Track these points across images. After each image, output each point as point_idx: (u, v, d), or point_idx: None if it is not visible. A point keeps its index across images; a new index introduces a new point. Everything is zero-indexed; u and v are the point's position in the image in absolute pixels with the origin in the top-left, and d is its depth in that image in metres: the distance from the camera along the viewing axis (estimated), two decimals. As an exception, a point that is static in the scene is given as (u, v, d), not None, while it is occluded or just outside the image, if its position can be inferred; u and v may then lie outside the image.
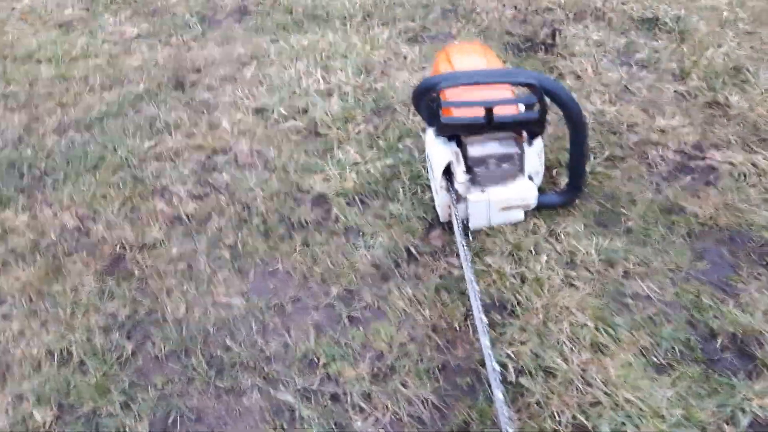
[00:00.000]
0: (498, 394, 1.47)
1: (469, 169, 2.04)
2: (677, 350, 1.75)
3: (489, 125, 1.92)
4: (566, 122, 2.00)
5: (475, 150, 2.01)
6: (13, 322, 2.01)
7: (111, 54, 3.34)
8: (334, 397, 1.74)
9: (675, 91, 2.67)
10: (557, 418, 1.62)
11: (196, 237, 2.24)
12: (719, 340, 1.77)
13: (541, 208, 2.18)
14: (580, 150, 2.05)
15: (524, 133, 2.05)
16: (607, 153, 2.39)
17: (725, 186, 2.23)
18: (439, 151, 2.07)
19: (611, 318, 1.84)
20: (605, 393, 1.66)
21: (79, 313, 2.00)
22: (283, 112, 2.78)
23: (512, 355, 1.77)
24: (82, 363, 1.86)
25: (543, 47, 2.98)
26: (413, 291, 1.98)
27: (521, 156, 2.03)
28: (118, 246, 2.23)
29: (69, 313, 2.00)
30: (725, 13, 3.13)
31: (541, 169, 2.15)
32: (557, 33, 2.99)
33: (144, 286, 2.09)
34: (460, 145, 2.05)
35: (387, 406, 1.70)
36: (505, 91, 2.02)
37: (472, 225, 2.13)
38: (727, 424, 1.59)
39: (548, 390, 1.68)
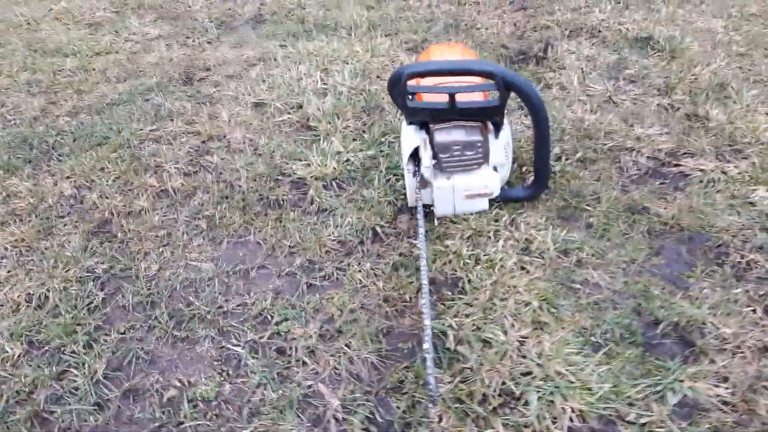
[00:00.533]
0: (427, 344, 1.56)
1: (435, 156, 2.16)
2: (617, 333, 1.81)
3: (452, 110, 2.04)
4: (530, 114, 2.10)
5: (441, 137, 2.13)
6: (1, 270, 2.19)
7: (131, 51, 3.61)
8: (280, 351, 1.84)
9: (658, 104, 2.75)
10: (487, 383, 1.69)
11: (178, 208, 2.41)
12: (661, 327, 1.82)
13: (506, 201, 2.28)
14: (543, 143, 2.15)
15: (490, 126, 2.17)
16: (579, 155, 2.49)
17: (693, 191, 2.29)
18: (409, 137, 2.20)
19: (556, 300, 1.91)
20: (538, 365, 1.73)
21: (61, 265, 2.17)
22: (279, 106, 2.96)
23: (455, 326, 1.85)
24: (55, 307, 2.02)
25: (535, 60, 3.11)
26: (372, 266, 2.09)
27: (485, 145, 2.14)
28: (106, 212, 2.41)
29: (52, 265, 2.17)
30: (720, 36, 3.22)
31: (507, 163, 2.25)
32: (550, 47, 3.12)
33: (124, 247, 2.26)
34: (429, 133, 2.18)
35: (329, 362, 1.80)
36: (471, 82, 2.15)
37: (438, 212, 2.24)
38: (656, 402, 1.63)
39: (483, 358, 1.75)
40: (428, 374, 1.53)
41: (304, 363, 1.81)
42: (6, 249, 2.28)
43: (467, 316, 1.88)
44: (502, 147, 2.20)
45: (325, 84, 3.11)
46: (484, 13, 3.59)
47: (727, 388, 1.66)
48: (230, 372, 1.80)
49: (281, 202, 2.40)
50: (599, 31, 3.30)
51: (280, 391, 1.73)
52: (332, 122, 2.80)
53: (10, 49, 3.83)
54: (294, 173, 2.53)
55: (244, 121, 2.90)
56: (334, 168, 2.51)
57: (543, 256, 2.07)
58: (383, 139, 2.67)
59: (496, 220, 2.21)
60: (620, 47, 3.18)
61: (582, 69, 3.01)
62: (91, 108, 3.11)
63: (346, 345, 1.84)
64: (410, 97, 2.05)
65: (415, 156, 2.17)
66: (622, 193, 2.32)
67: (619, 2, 3.61)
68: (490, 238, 2.14)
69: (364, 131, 2.74)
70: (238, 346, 1.87)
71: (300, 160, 2.60)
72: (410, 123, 2.20)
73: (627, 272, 2.01)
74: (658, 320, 1.85)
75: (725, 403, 1.63)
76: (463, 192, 2.19)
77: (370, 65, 3.23)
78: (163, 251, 2.22)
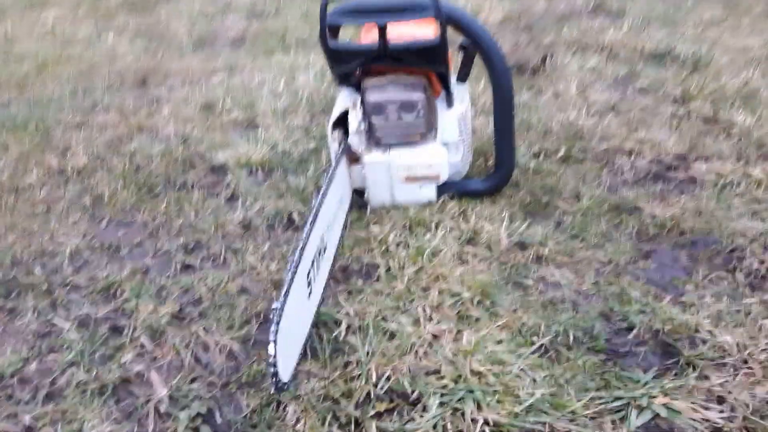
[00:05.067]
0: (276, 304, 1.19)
1: (368, 121, 1.86)
2: (572, 336, 1.40)
3: (384, 53, 1.76)
4: (486, 69, 1.81)
5: (374, 94, 1.84)
6: None
7: (96, 61, 3.54)
8: (115, 329, 1.50)
9: (672, 113, 2.42)
10: (374, 381, 1.29)
11: (70, 187, 2.16)
12: (635, 334, 1.41)
13: (462, 195, 1.94)
14: (504, 115, 1.84)
15: (443, 92, 1.88)
16: (560, 154, 2.15)
17: (703, 194, 1.91)
18: (339, 101, 1.92)
19: (496, 295, 1.52)
20: (450, 362, 1.32)
21: None
22: (229, 104, 2.76)
23: (352, 314, 1.47)
24: None
25: (531, 71, 2.86)
26: (273, 249, 1.75)
27: (428, 107, 1.83)
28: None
29: None
30: (755, 52, 2.92)
31: (464, 145, 1.94)
32: (549, 57, 2.87)
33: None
34: (362, 92, 1.89)
35: (174, 347, 1.43)
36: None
37: (372, 200, 1.91)
38: (614, 422, 1.20)
39: (379, 352, 1.36)
40: (271, 357, 1.14)
41: (142, 345, 1.44)
42: None
43: (372, 304, 1.50)
44: (455, 120, 1.90)
45: (287, 85, 2.92)
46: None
47: (721, 411, 1.21)
48: (43, 348, 1.45)
49: (189, 186, 2.13)
50: (611, 50, 3.04)
51: (94, 373, 1.36)
52: (280, 119, 2.56)
53: (-25, 57, 3.83)
54: (215, 158, 2.27)
55: (186, 117, 2.69)
56: (264, 155, 2.24)
57: (491, 248, 1.70)
58: (332, 136, 2.40)
59: (442, 211, 1.86)
60: (633, 62, 2.91)
61: (585, 79, 2.73)
62: (27, 100, 2.98)
63: (204, 329, 1.48)
64: (330, 36, 1.77)
65: (344, 123, 1.87)
66: (611, 193, 1.95)
67: (639, 23, 3.38)
68: (430, 228, 1.79)
69: (312, 129, 2.49)
70: (66, 321, 1.52)
71: (229, 147, 2.35)
72: (341, 83, 1.93)
73: (600, 273, 1.62)
74: (631, 326, 1.44)
75: (717, 430, 1.18)
76: (403, 172, 1.87)
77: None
78: (31, 224, 1.95)
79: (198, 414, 1.27)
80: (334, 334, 1.42)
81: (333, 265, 1.63)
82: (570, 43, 3.15)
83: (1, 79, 3.31)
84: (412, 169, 1.87)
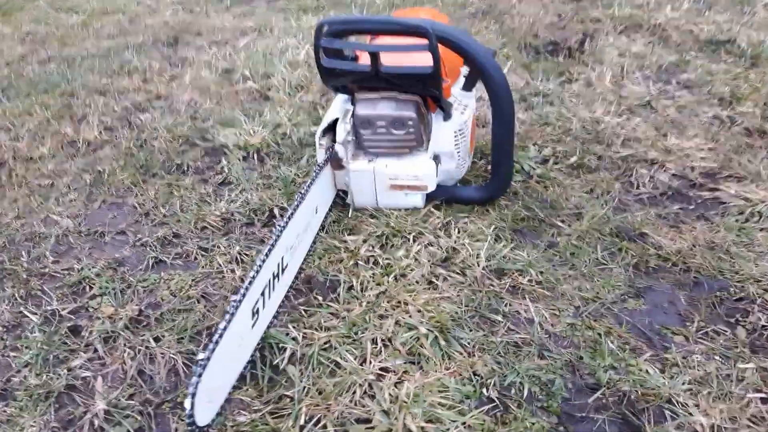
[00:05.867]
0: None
1: (356, 132, 1.73)
2: (527, 391, 1.27)
3: (376, 77, 1.61)
4: (483, 84, 1.63)
5: (364, 108, 1.70)
6: None
7: (136, 14, 3.49)
8: (75, 330, 1.47)
9: (713, 116, 2.14)
10: (303, 421, 1.21)
11: (77, 161, 2.14)
12: (598, 395, 1.26)
13: (452, 202, 1.79)
14: (501, 127, 1.66)
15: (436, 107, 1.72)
16: (572, 160, 1.95)
17: (724, 223, 1.68)
18: (332, 108, 1.79)
19: (455, 330, 1.39)
20: (384, 412, 1.22)
21: None
22: (247, 74, 2.65)
23: (299, 339, 1.38)
24: None
25: (567, 52, 2.59)
26: (243, 251, 1.68)
27: (419, 125, 1.68)
28: (8, 155, 2.19)
29: None
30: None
31: (459, 155, 1.77)
32: (589, 39, 2.59)
33: (2, 191, 2.01)
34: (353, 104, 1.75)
35: (122, 355, 1.39)
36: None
37: (356, 202, 1.79)
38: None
39: (316, 388, 1.27)
40: (187, 410, 1.07)
41: (95, 350, 1.41)
42: None
43: (323, 329, 1.41)
44: (451, 132, 1.73)
45: (307, 57, 2.77)
46: (528, 2, 3.11)
47: None
48: (8, 342, 1.44)
49: (185, 168, 2.06)
50: (663, 30, 2.71)
51: (44, 377, 1.34)
52: (292, 94, 2.44)
53: (33, 5, 3.85)
54: (215, 138, 2.19)
55: (203, 85, 2.61)
56: (263, 138, 2.14)
57: (464, 272, 1.56)
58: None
59: (425, 221, 1.72)
60: (685, 49, 2.58)
61: (622, 67, 2.45)
62: (64, 59, 2.97)
63: (155, 339, 1.43)
64: (323, 56, 1.62)
65: (334, 130, 1.74)
66: (617, 212, 1.75)
67: (702, 1, 2.99)
68: (407, 240, 1.65)
69: (322, 106, 2.35)
70: (35, 314, 1.51)
71: (233, 126, 2.25)
72: (336, 90, 1.79)
73: (581, 312, 1.45)
74: (597, 384, 1.28)
75: None
76: (389, 180, 1.73)
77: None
78: (32, 200, 1.95)
79: (128, 432, 1.24)
80: (275, 361, 1.34)
81: (297, 275, 1.54)
82: (618, 20, 2.83)
83: (48, 32, 3.32)
84: (398, 179, 1.73)
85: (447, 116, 1.73)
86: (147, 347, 1.41)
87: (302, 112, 2.33)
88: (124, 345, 1.42)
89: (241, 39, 3.07)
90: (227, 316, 1.18)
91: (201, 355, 1.11)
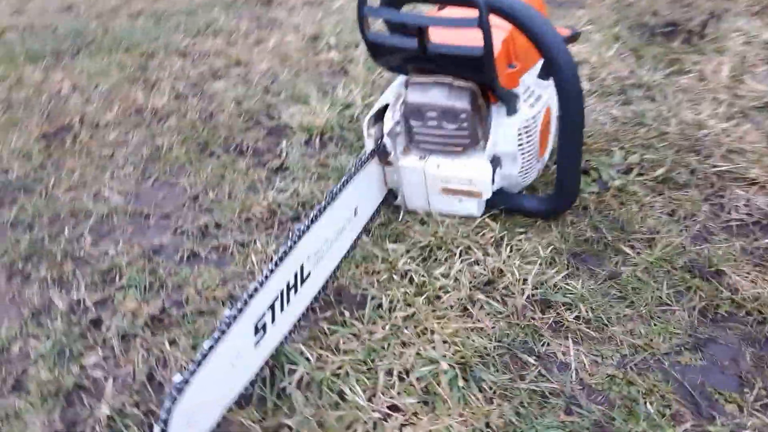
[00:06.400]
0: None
1: (406, 122, 1.61)
2: (543, 453, 1.16)
3: (424, 56, 1.47)
4: (552, 79, 1.45)
5: (415, 95, 1.57)
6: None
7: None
8: (96, 323, 1.51)
9: None
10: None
11: (140, 131, 2.18)
12: (624, 471, 1.13)
13: (512, 211, 1.65)
14: (569, 135, 1.49)
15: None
16: (659, 172, 1.73)
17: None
18: (387, 91, 1.68)
19: (478, 370, 1.29)
20: (382, 458, 1.16)
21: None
22: (332, 42, 2.58)
23: (312, 361, 1.34)
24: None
25: (686, 35, 2.29)
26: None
27: (474, 119, 1.54)
28: (75, 118, 2.28)
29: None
30: None
31: (524, 157, 1.61)
32: (714, 20, 2.27)
33: (60, 156, 2.10)
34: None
35: (137, 356, 1.41)
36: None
37: (408, 204, 1.70)
38: None
39: (316, 421, 1.23)
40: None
41: (112, 348, 1.44)
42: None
43: (343, 352, 1.35)
44: (515, 129, 1.57)
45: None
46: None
47: None
48: (31, 329, 1.51)
49: (244, 149, 2.04)
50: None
51: (56, 372, 1.39)
52: (372, 69, 2.34)
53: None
54: (280, 117, 2.15)
55: (284, 52, 2.57)
56: (328, 120, 2.07)
57: (505, 300, 1.44)
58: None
59: (478, 233, 1.60)
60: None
61: (745, 57, 2.13)
62: (153, 14, 3.03)
63: (170, 342, 1.43)
64: (366, 25, 1.51)
65: (384, 117, 1.64)
66: (696, 241, 1.55)
67: None
68: (449, 254, 1.55)
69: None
70: (62, 300, 1.57)
71: (302, 102, 2.20)
72: (391, 70, 1.68)
73: (625, 362, 1.30)
74: (625, 456, 1.15)
75: None
76: (440, 183, 1.62)
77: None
78: (89, 171, 2.01)
79: (131, 440, 1.26)
80: (283, 384, 1.31)
81: (328, 283, 1.49)
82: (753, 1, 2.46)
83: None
84: (450, 182, 1.61)
85: (511, 110, 1.56)
86: (161, 350, 1.42)
87: (377, 92, 2.23)
88: (141, 345, 1.43)
89: (336, 0, 2.98)
90: (216, 334, 1.14)
91: (177, 377, 1.08)
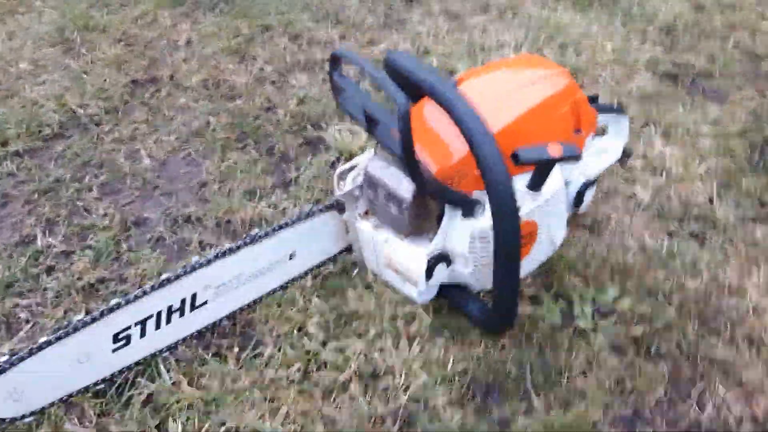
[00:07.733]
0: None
1: (366, 191, 1.62)
2: None
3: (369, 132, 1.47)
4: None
5: (374, 167, 1.55)
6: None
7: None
8: (49, 270, 1.75)
9: None
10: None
11: (206, 102, 2.38)
12: None
13: (455, 307, 1.61)
14: (502, 256, 1.39)
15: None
16: (638, 331, 1.55)
17: None
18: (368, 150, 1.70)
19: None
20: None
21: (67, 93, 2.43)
22: (435, 63, 2.58)
23: (167, 381, 1.45)
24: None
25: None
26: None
27: (415, 209, 1.47)
28: (167, 73, 2.54)
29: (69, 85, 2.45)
30: None
31: (475, 262, 1.53)
32: None
33: (134, 107, 2.37)
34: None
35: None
36: None
37: (365, 262, 1.71)
38: None
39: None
40: None
41: (45, 295, 1.68)
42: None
43: (198, 387, 1.45)
44: (467, 233, 1.49)
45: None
46: None
47: None
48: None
49: (275, 152, 2.17)
50: None
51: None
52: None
53: None
54: (326, 129, 2.23)
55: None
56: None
57: (377, 400, 1.43)
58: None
59: (405, 319, 1.59)
60: None
61: None
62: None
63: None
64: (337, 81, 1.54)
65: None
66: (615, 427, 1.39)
67: None
68: (366, 332, 1.56)
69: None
70: (42, 240, 1.83)
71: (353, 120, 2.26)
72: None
73: None
74: None
75: None
76: (384, 258, 1.61)
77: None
78: (143, 128, 2.26)
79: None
80: (131, 393, 1.44)
81: (234, 315, 1.58)
82: None
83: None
84: (392, 262, 1.59)
85: (467, 213, 1.49)
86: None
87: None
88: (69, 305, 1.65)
89: (473, 17, 2.95)
90: (60, 333, 1.30)
91: (3, 359, 1.26)
